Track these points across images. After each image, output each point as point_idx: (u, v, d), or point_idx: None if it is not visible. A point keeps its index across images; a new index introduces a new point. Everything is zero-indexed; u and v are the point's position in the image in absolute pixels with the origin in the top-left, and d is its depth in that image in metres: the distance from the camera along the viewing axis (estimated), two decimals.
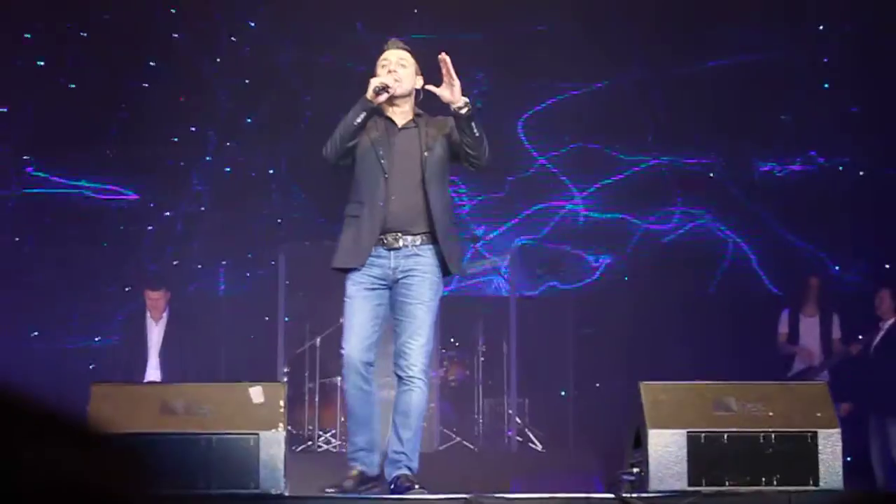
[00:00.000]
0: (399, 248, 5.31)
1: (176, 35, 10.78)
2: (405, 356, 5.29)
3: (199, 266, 11.05)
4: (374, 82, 5.32)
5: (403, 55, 5.48)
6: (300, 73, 10.92)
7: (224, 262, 11.11)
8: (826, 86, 11.03)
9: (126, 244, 10.71)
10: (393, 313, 5.37)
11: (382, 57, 5.48)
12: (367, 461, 5.36)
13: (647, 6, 10.76)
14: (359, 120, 5.31)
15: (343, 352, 5.33)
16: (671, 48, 10.96)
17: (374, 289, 5.32)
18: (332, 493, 5.18)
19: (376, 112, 5.40)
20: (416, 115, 5.51)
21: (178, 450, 5.01)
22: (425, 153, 5.37)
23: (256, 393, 5.27)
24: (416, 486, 5.21)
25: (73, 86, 10.60)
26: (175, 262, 10.82)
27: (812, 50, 11.03)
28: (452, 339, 11.14)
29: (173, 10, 10.72)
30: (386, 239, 5.30)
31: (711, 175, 11.18)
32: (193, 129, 10.93)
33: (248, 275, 11.18)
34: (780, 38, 10.97)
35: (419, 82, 5.51)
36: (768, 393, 5.33)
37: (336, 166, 5.45)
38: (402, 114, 5.47)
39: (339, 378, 10.55)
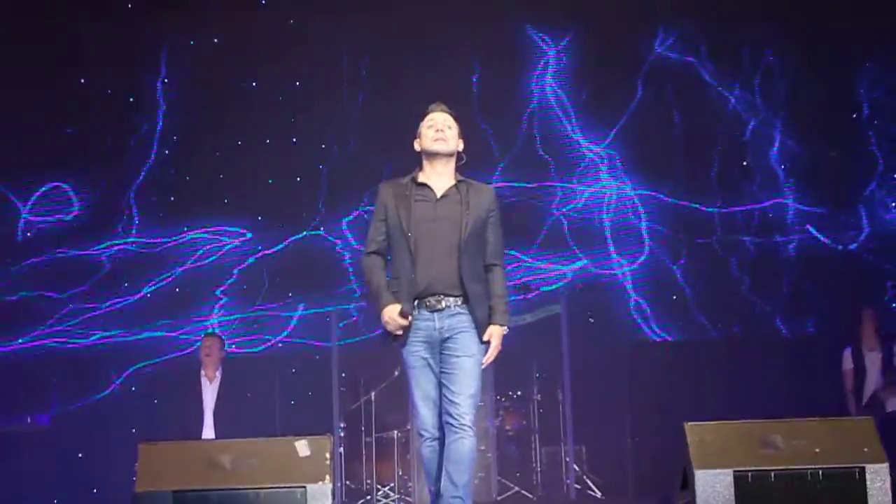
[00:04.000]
0: (442, 310, 5.40)
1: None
2: (456, 406, 5.33)
3: (255, 325, 11.18)
4: (390, 326, 5.38)
5: (449, 119, 5.59)
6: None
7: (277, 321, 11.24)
8: None
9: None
10: (441, 366, 5.43)
11: (428, 117, 5.59)
12: None
13: None
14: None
15: (418, 422, 5.49)
16: None
17: (428, 353, 5.43)
18: None
19: (412, 180, 5.53)
20: (459, 181, 5.57)
21: None
22: (466, 216, 5.43)
23: (302, 446, 5.32)
24: None
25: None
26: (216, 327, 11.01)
27: None
28: (508, 391, 11.11)
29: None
30: (428, 301, 5.40)
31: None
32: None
33: (301, 332, 11.28)
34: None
35: (461, 145, 5.61)
36: (814, 429, 5.29)
37: None
38: (443, 179, 5.54)
39: (395, 432, 10.63)
